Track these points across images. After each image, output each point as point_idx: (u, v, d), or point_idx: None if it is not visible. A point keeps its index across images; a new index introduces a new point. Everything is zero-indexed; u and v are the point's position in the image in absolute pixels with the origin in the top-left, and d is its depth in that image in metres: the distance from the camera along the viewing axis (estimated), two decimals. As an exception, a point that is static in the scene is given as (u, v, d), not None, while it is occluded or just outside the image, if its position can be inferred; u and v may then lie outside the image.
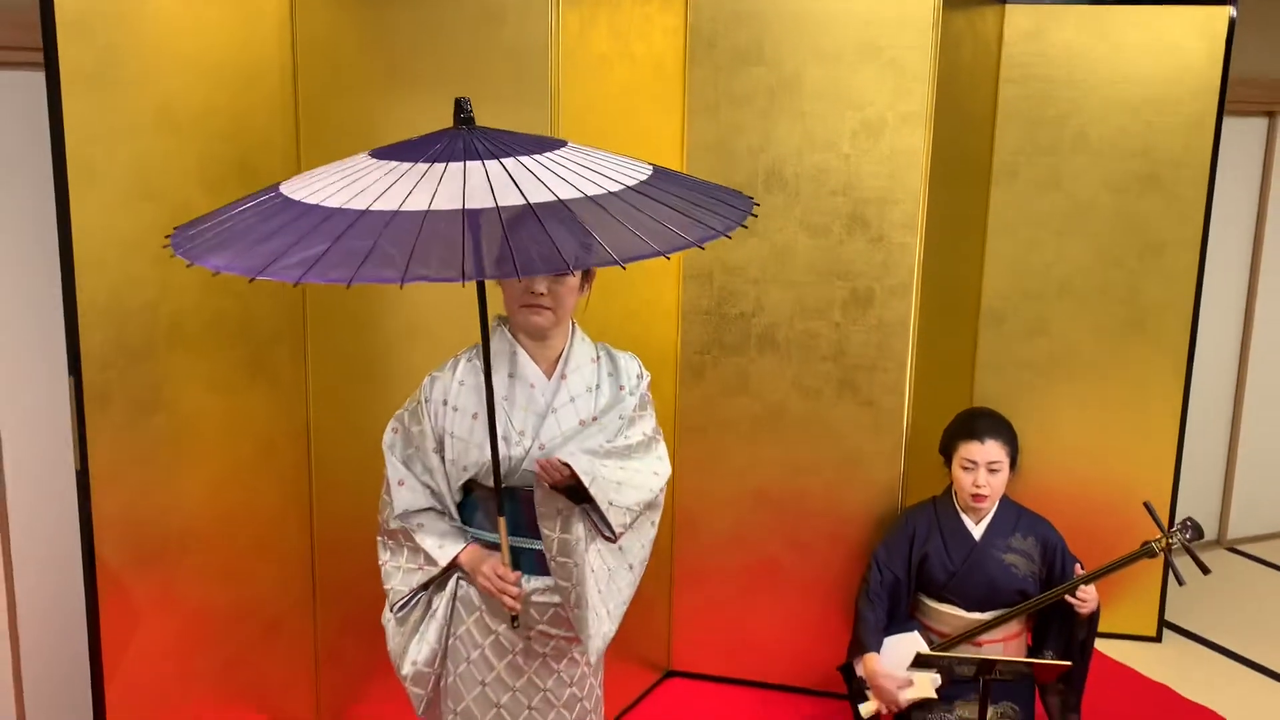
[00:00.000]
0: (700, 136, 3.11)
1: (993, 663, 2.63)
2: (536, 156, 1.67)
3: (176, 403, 2.49)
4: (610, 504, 1.90)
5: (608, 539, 1.95)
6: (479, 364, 2.03)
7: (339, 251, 1.48)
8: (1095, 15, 3.44)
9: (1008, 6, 3.45)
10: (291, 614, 2.89)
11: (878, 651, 2.94)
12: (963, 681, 2.85)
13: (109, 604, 2.38)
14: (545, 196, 1.57)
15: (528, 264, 1.48)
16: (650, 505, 2.03)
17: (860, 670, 2.99)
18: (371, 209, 1.54)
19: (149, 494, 2.45)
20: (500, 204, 1.53)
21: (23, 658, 2.90)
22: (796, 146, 3.07)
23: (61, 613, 2.92)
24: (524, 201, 1.54)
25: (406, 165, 1.63)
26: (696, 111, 3.11)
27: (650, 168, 1.79)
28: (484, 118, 1.87)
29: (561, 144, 1.76)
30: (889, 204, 3.04)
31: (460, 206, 1.53)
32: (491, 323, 2.08)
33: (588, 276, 2.03)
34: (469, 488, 2.05)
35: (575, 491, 1.91)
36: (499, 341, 2.04)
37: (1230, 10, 3.38)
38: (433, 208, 1.53)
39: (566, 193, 1.58)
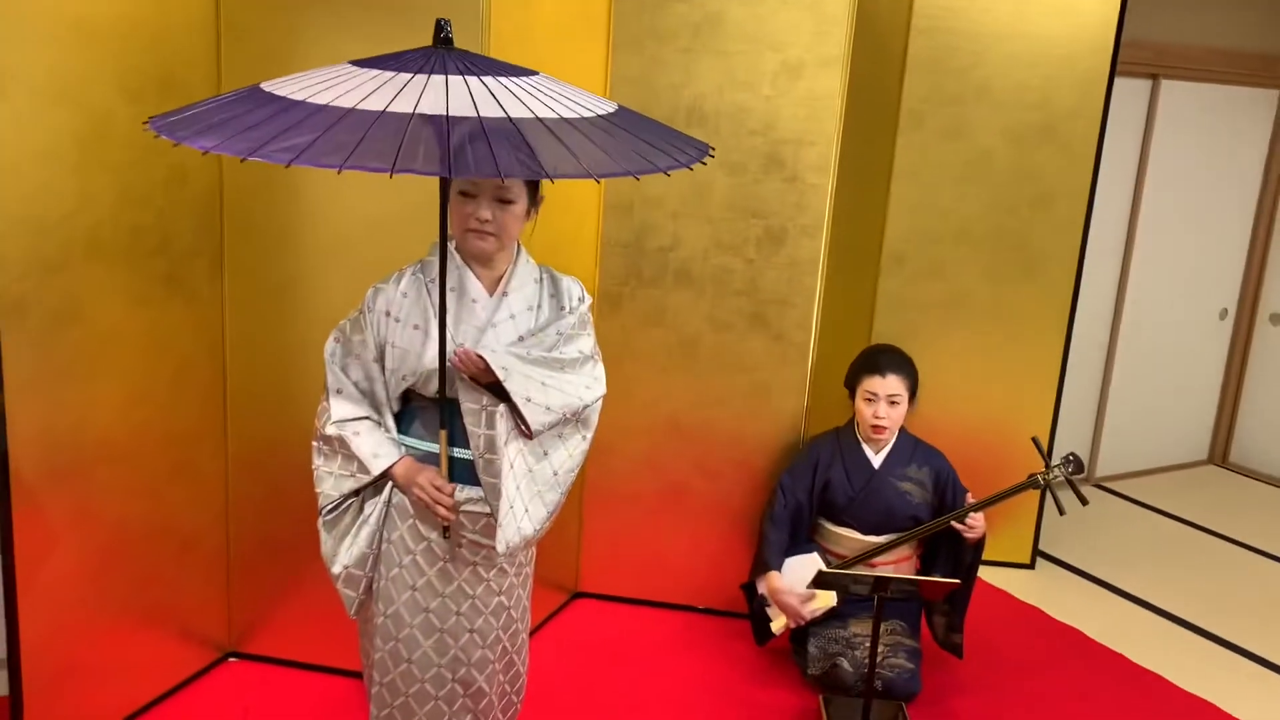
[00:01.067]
0: (624, 70, 3.16)
1: (887, 580, 2.80)
2: (514, 79, 1.76)
3: (94, 316, 2.46)
4: (528, 399, 1.97)
5: (526, 435, 2.01)
6: (422, 278, 2.08)
7: (328, 142, 1.54)
8: (1002, -28, 3.57)
9: (921, -40, 3.56)
10: (206, 531, 2.90)
11: (780, 570, 3.10)
12: (857, 600, 3.04)
13: (23, 518, 2.36)
14: (524, 113, 1.66)
15: (509, 167, 1.56)
16: (579, 416, 2.10)
17: (762, 588, 3.15)
18: (358, 108, 1.61)
19: (65, 408, 2.43)
20: (482, 114, 1.62)
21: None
22: (718, 84, 3.14)
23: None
24: (504, 114, 1.63)
25: (390, 74, 1.69)
26: (621, 46, 3.15)
27: (615, 105, 1.90)
28: (414, 43, 1.89)
29: (534, 73, 1.85)
30: (805, 145, 3.14)
31: (444, 112, 1.60)
32: (435, 241, 2.12)
33: (534, 204, 2.08)
34: (407, 397, 2.11)
35: (498, 390, 1.97)
36: (440, 256, 2.08)
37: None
38: (418, 110, 1.60)
39: (543, 112, 1.69)
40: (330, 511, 2.11)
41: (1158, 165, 4.70)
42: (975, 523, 3.02)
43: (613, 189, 3.25)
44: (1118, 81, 3.74)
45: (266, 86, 1.76)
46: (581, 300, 2.17)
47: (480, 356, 1.95)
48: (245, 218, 2.77)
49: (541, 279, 2.17)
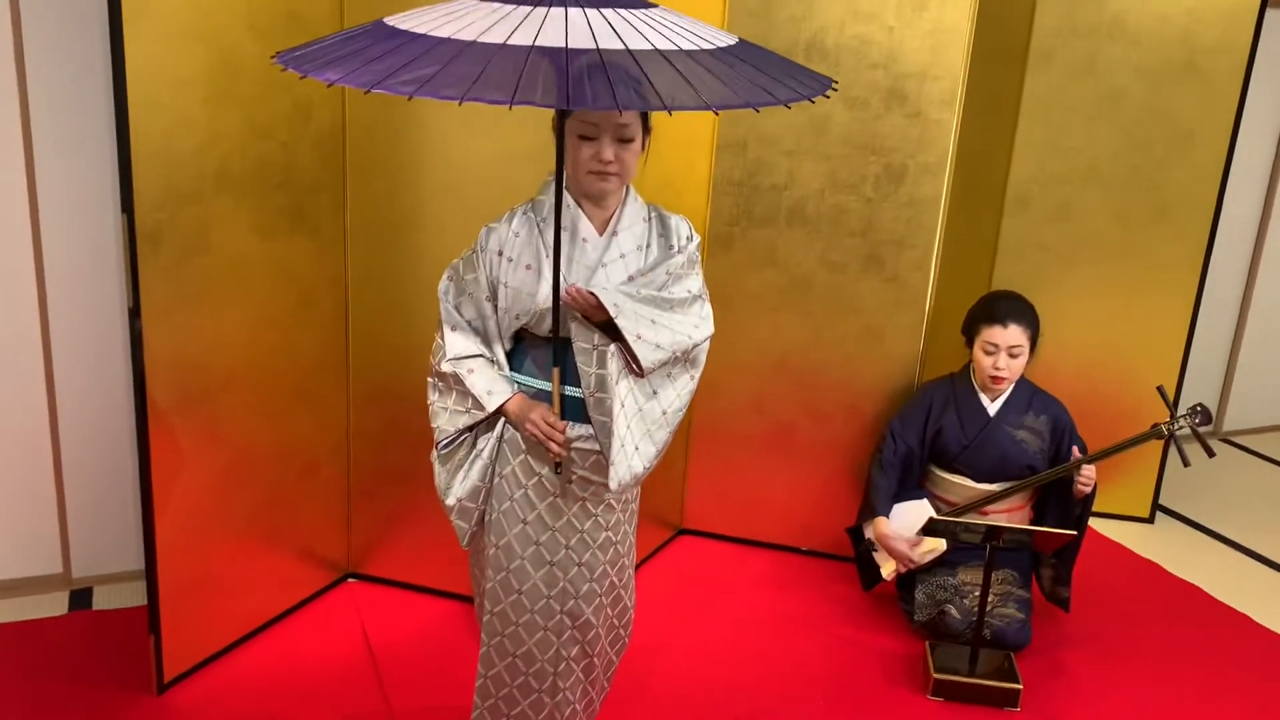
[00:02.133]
0: (742, 2, 3.08)
1: (999, 530, 2.76)
2: (634, 10, 1.75)
3: (222, 246, 2.54)
4: (639, 337, 1.97)
5: (636, 374, 2.02)
6: (533, 217, 2.09)
7: (450, 74, 1.56)
8: (1146, -105, 3.37)
9: (1058, -118, 3.38)
10: (327, 458, 3.00)
11: (888, 516, 3.07)
12: (967, 548, 2.99)
13: (158, 438, 2.48)
14: (643, 44, 1.65)
15: (628, 100, 1.56)
16: (688, 355, 2.10)
17: (869, 533, 3.12)
18: (479, 40, 1.62)
19: (196, 334, 2.52)
20: (601, 47, 1.62)
21: (66, 487, 3.02)
22: (839, 17, 3.05)
23: (104, 451, 3.03)
24: (623, 47, 1.63)
25: (510, 6, 1.70)
26: (740, -23, 3.08)
27: (736, 38, 1.87)
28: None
29: (654, 5, 1.83)
30: (929, 80, 3.04)
31: (564, 45, 1.61)
32: (545, 179, 2.12)
33: (645, 138, 2.06)
34: (519, 336, 2.13)
35: (609, 328, 1.99)
36: (555, 198, 2.09)
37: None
38: (538, 43, 1.61)
39: (662, 44, 1.67)
40: (445, 446, 2.15)
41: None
42: (1088, 476, 2.94)
43: (726, 126, 3.20)
44: (1273, 14, 3.51)
45: (390, 21, 1.78)
46: (690, 239, 2.15)
47: (592, 293, 1.96)
48: (367, 154, 2.82)
49: (650, 218, 2.15)
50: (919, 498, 3.12)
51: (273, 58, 1.80)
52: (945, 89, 3.04)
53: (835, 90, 1.89)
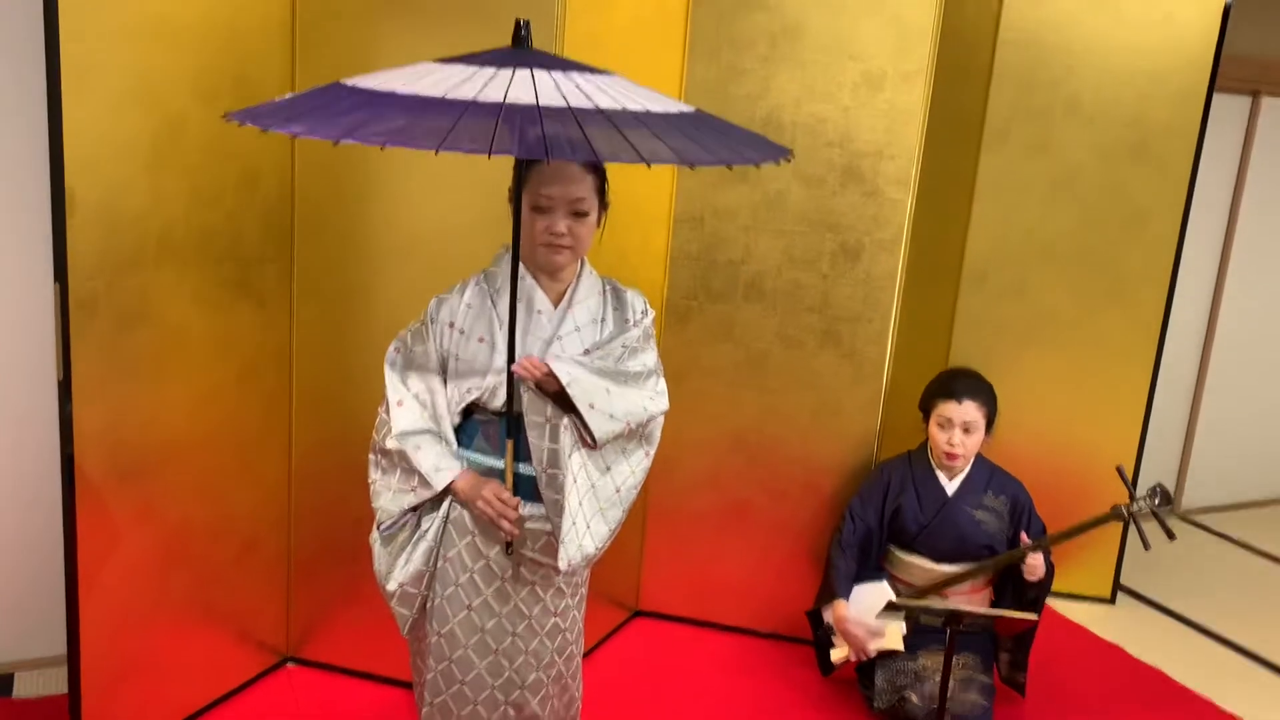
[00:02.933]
0: (699, 78, 3.09)
1: (960, 613, 2.69)
2: (595, 76, 1.75)
3: (162, 316, 2.46)
4: (591, 406, 1.92)
5: (590, 447, 1.96)
6: (486, 288, 2.04)
7: (421, 126, 1.53)
8: (1096, -18, 3.44)
9: (1011, -32, 3.44)
10: (267, 535, 2.89)
11: (847, 598, 2.99)
12: (927, 631, 2.92)
13: (86, 516, 2.36)
14: (612, 105, 1.65)
15: (608, 151, 1.54)
16: (643, 430, 2.05)
17: (828, 617, 3.04)
18: (447, 96, 1.60)
19: (131, 407, 2.43)
20: (572, 105, 1.60)
21: (-7, 567, 2.89)
22: (795, 95, 3.06)
23: (34, 529, 2.90)
24: (594, 105, 1.62)
25: (474, 68, 1.68)
26: (697, 53, 3.09)
27: (693, 108, 1.87)
28: (487, 45, 1.85)
29: (613, 74, 1.82)
30: (885, 158, 3.05)
31: (535, 103, 1.59)
32: (499, 251, 2.08)
33: (602, 212, 2.03)
34: (469, 411, 2.06)
35: (563, 401, 1.93)
36: (509, 268, 2.04)
37: (1228, -15, 3.40)
38: (508, 100, 1.58)
39: (632, 106, 1.67)
40: (388, 528, 2.07)
41: (1256, 187, 4.50)
42: (1036, 564, 2.90)
43: (683, 201, 3.18)
44: (1218, 99, 3.57)
45: (348, 82, 1.75)
46: (645, 313, 2.12)
47: (545, 363, 1.91)
48: (314, 224, 2.76)
49: (605, 291, 2.12)
50: (879, 579, 3.05)
51: (224, 116, 1.75)
52: (900, 168, 3.05)
53: (791, 160, 1.88)
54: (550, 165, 1.94)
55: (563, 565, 1.94)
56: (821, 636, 3.11)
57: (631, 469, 2.05)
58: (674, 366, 3.26)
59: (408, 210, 2.71)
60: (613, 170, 2.89)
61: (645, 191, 3.11)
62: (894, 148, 3.04)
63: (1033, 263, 3.63)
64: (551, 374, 1.90)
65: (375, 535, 2.09)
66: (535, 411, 1.95)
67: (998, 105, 3.53)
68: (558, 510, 1.95)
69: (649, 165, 1.56)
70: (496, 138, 1.49)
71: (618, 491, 2.03)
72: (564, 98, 1.62)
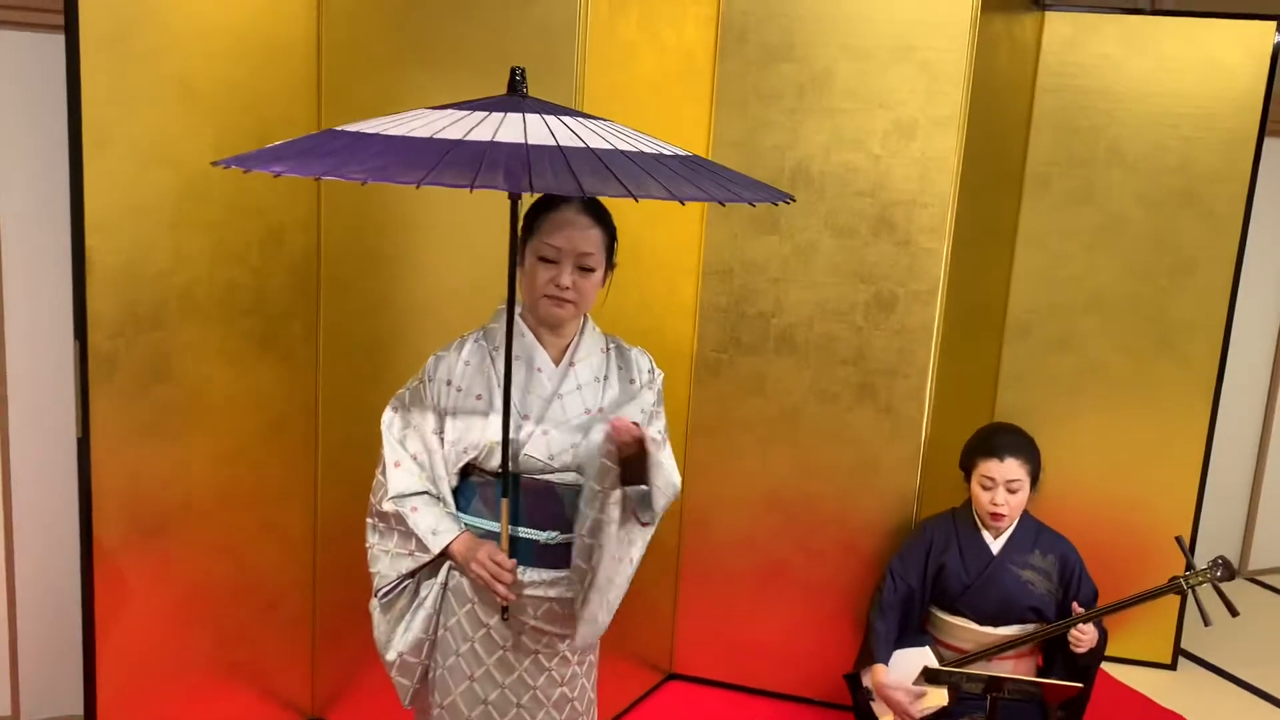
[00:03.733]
0: (727, 132, 3.06)
1: (1002, 681, 2.57)
2: (590, 120, 1.74)
3: (184, 374, 2.46)
4: (668, 483, 1.89)
5: (644, 524, 1.93)
6: (485, 345, 2.00)
7: (405, 162, 1.52)
8: (1136, 26, 3.37)
9: (1048, 14, 3.39)
10: (291, 594, 2.86)
11: (887, 663, 2.87)
12: (971, 698, 2.79)
13: (104, 575, 2.35)
14: (603, 145, 1.63)
15: (593, 185, 1.51)
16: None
17: (867, 681, 2.92)
18: (436, 137, 1.59)
19: (151, 465, 2.43)
20: (561, 144, 1.59)
21: (19, 625, 2.89)
22: (824, 145, 3.02)
23: (59, 583, 2.90)
24: (583, 144, 1.60)
25: (464, 112, 1.68)
26: (724, 106, 3.06)
27: (688, 152, 1.83)
28: (511, 97, 1.85)
29: (607, 121, 1.81)
30: (917, 207, 2.98)
31: (523, 141, 1.58)
32: (499, 307, 2.05)
33: (608, 270, 1.99)
34: (466, 472, 2.00)
35: (628, 468, 1.86)
36: (506, 322, 2.01)
37: (1277, 25, 3.31)
38: (496, 139, 1.57)
39: (624, 146, 1.65)
40: (386, 594, 2.00)
41: (1317, 232, 4.33)
42: (1083, 636, 2.75)
43: (711, 252, 3.14)
44: (1271, 143, 3.46)
45: (340, 128, 1.75)
46: (653, 373, 2.06)
47: (636, 424, 1.83)
48: (340, 279, 2.77)
49: (609, 349, 2.06)
50: (921, 644, 2.92)
51: (214, 163, 1.77)
52: (935, 216, 2.98)
53: (791, 203, 1.85)
54: (559, 215, 1.91)
55: (579, 641, 1.91)
56: (861, 702, 2.99)
57: (644, 542, 1.99)
58: (705, 420, 3.22)
59: (432, 267, 2.70)
60: (640, 221, 2.87)
61: (673, 243, 3.08)
62: (927, 196, 2.97)
63: (1079, 313, 3.52)
64: (642, 437, 1.81)
65: (374, 602, 2.03)
66: (597, 478, 1.85)
67: (1038, 152, 3.45)
68: (586, 583, 1.89)
69: (636, 200, 1.53)
70: (481, 173, 1.48)
71: (631, 563, 1.96)
72: (553, 136, 1.60)
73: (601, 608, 1.91)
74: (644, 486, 1.88)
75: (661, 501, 1.90)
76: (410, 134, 1.60)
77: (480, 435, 1.93)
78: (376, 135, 1.63)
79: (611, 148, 1.62)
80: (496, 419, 1.92)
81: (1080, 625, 2.74)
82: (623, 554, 1.92)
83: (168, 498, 2.48)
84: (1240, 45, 3.33)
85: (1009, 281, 3.54)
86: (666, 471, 1.90)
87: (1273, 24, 3.31)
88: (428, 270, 2.71)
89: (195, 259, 2.44)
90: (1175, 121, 3.39)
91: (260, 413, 2.68)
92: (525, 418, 1.93)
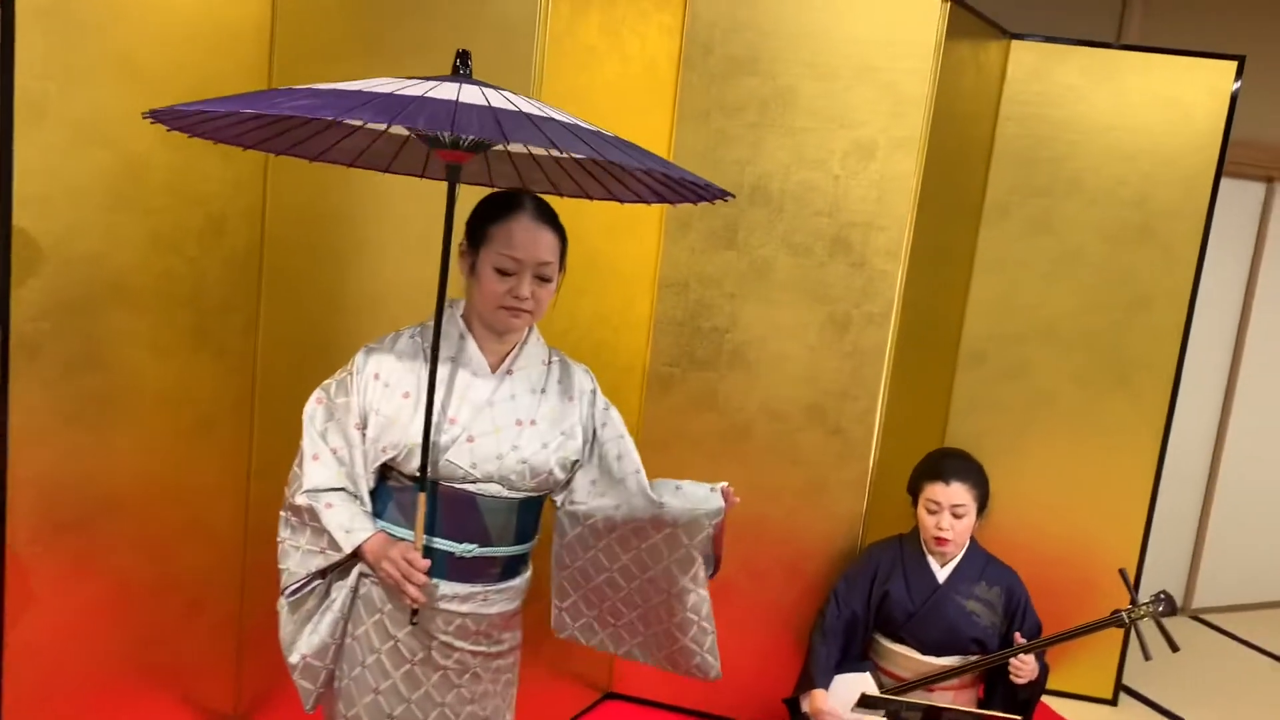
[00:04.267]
0: (688, 143, 3.03)
1: (940, 710, 2.53)
2: (530, 100, 1.71)
3: (113, 363, 2.37)
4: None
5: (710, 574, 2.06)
6: (420, 342, 1.93)
7: (328, 103, 1.51)
8: (1101, 59, 3.38)
9: (1014, 43, 3.39)
10: (217, 595, 2.76)
11: (826, 689, 2.83)
12: (909, 728, 2.75)
13: (15, 569, 2.25)
14: (538, 111, 1.62)
15: (516, 133, 1.50)
16: None
17: (806, 706, 2.88)
18: (364, 90, 1.59)
19: (73, 457, 2.33)
20: (494, 105, 1.58)
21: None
22: (785, 162, 2.99)
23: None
24: (516, 108, 1.59)
25: (403, 81, 1.66)
26: (686, 117, 3.02)
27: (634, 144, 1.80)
28: (464, 95, 1.80)
29: (553, 108, 1.77)
30: (874, 229, 2.96)
31: (455, 98, 1.56)
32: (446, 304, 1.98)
33: (560, 277, 1.94)
34: (384, 475, 1.92)
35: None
36: (449, 324, 1.94)
37: (1237, 66, 3.33)
38: (428, 95, 1.56)
39: (559, 116, 1.63)
40: (294, 592, 1.91)
41: (1271, 275, 4.38)
42: (1023, 666, 2.72)
43: (668, 266, 3.10)
44: (1230, 183, 3.48)
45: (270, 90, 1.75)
46: (595, 393, 2.02)
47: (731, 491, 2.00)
48: (284, 274, 2.69)
49: (551, 362, 1.99)
50: (862, 670, 2.88)
51: (144, 114, 1.73)
52: (891, 239, 2.95)
53: (730, 200, 1.86)
54: (515, 224, 1.84)
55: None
56: (798, 728, 2.94)
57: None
58: (656, 435, 3.16)
59: (379, 264, 2.63)
60: (598, 232, 2.83)
61: (630, 255, 3.03)
62: (885, 218, 2.95)
63: (1034, 343, 3.51)
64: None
65: (282, 601, 1.94)
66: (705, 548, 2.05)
67: (998, 180, 3.45)
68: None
69: (562, 152, 1.54)
70: (403, 115, 1.48)
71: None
72: (486, 100, 1.57)
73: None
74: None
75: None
76: (337, 87, 1.60)
77: (401, 435, 1.85)
78: (305, 89, 1.62)
79: (546, 115, 1.60)
80: (420, 420, 1.84)
81: (1021, 656, 2.71)
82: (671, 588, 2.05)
83: (90, 491, 2.38)
84: (1202, 84, 3.35)
85: (964, 308, 3.53)
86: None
87: (1234, 64, 3.33)
88: (374, 267, 2.64)
89: (130, 244, 2.35)
90: (1135, 156, 3.39)
91: (192, 407, 2.59)
92: (452, 422, 1.86)
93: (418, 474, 1.83)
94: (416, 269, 2.60)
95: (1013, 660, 2.71)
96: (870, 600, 2.92)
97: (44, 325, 2.21)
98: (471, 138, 1.69)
